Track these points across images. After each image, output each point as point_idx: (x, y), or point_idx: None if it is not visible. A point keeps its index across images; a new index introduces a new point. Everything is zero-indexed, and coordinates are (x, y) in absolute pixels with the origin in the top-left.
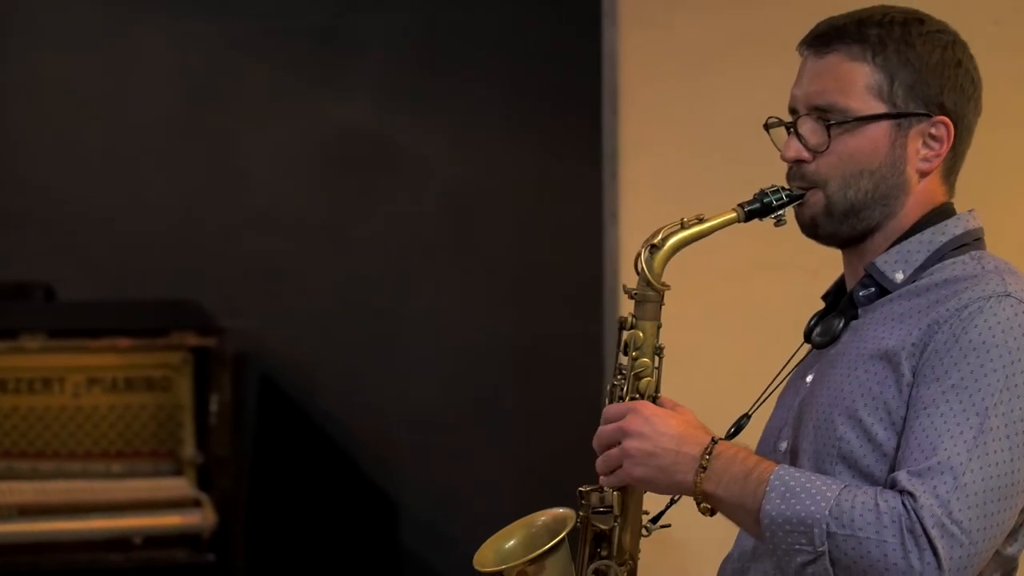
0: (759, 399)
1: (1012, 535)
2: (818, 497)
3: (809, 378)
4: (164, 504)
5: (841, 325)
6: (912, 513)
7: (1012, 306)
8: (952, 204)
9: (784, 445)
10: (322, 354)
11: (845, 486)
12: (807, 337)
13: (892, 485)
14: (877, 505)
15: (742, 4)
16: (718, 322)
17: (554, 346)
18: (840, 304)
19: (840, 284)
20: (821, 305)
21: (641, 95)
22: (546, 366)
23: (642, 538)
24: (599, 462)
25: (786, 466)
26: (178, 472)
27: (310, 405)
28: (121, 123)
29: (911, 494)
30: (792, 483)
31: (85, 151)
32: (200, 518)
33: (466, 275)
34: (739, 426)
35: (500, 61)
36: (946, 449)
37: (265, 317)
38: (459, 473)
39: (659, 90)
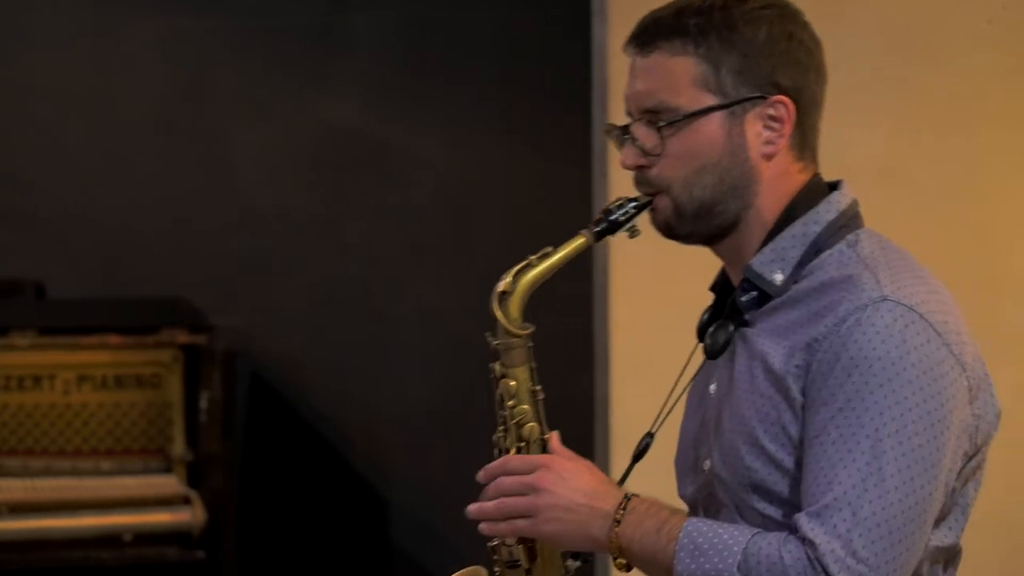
0: (660, 416)
1: (940, 523)
2: (725, 554)
3: (712, 388)
4: (154, 501)
5: (732, 332)
6: (816, 563)
7: (890, 311)
8: (818, 179)
9: (708, 464)
10: (312, 352)
11: (752, 536)
12: (700, 336)
13: (795, 529)
14: (782, 558)
15: None
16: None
17: (544, 344)
18: (727, 309)
19: (725, 279)
20: None
21: None
22: (536, 363)
23: None
24: (492, 509)
25: (695, 520)
26: (168, 469)
27: (300, 403)
28: (110, 121)
29: (811, 542)
30: (700, 540)
31: (75, 149)
32: (190, 515)
33: (456, 273)
34: (645, 445)
35: (490, 59)
36: (841, 483)
37: (255, 315)
38: (449, 470)
39: None
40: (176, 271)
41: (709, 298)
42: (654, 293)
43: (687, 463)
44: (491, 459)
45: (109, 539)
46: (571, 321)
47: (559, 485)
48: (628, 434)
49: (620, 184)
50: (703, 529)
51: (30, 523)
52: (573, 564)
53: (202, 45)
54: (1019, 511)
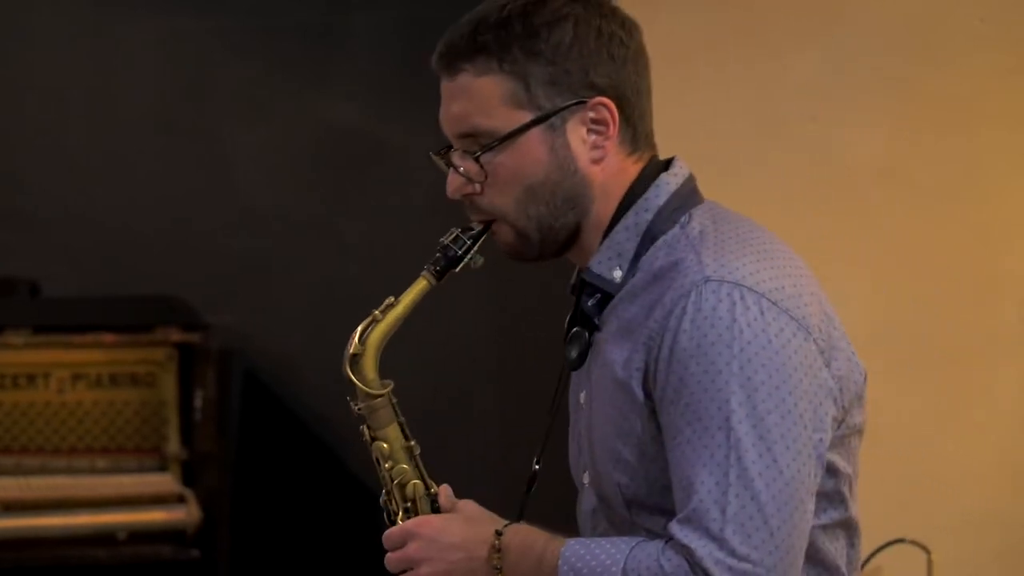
0: (543, 443)
1: (827, 499)
2: (605, 575)
3: (582, 396)
4: (149, 500)
5: (586, 341)
6: (697, 568)
7: (713, 292)
8: (652, 164)
9: (586, 478)
10: (307, 350)
11: (632, 549)
12: (564, 342)
13: (671, 538)
14: (662, 567)
15: (724, 0)
16: None
17: (536, 345)
18: (578, 319)
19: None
20: None
21: None
22: (528, 364)
23: None
24: None
25: (571, 544)
26: (163, 468)
27: (295, 401)
28: (107, 120)
29: (687, 547)
30: (579, 565)
31: (71, 147)
32: (185, 514)
33: (452, 274)
34: (533, 475)
35: None
36: (703, 482)
37: (250, 313)
38: (442, 469)
39: None
40: (171, 269)
41: None
42: None
43: (577, 475)
44: (484, 459)
45: (104, 537)
46: (563, 322)
47: (431, 550)
48: None
49: None
50: (580, 552)
51: (25, 521)
52: None
53: (201, 45)
54: (1017, 509)
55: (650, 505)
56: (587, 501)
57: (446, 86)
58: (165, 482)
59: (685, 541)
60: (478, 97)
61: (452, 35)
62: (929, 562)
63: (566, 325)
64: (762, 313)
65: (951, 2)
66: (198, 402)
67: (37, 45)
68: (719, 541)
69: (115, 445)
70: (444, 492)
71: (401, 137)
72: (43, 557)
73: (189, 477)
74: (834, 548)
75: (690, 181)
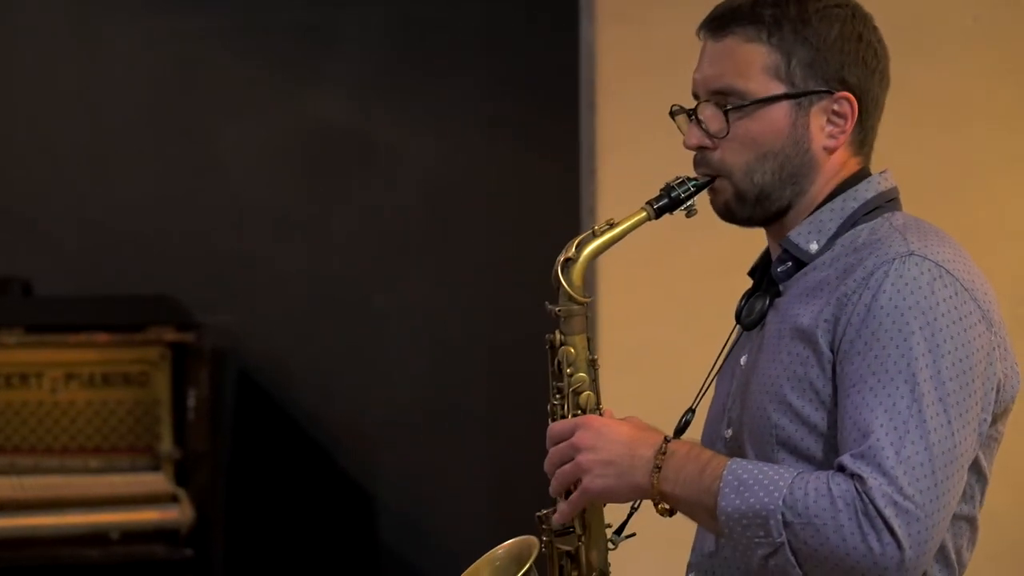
0: (700, 391)
1: (963, 495)
2: (771, 488)
3: (743, 359)
4: (142, 500)
5: (766, 304)
6: (864, 496)
7: (917, 264)
8: (867, 170)
9: (728, 432)
10: (300, 349)
11: (798, 474)
12: (738, 318)
13: (840, 469)
14: (830, 490)
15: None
16: (698, 319)
17: (531, 342)
18: (764, 283)
19: (765, 259)
20: None
21: (618, 90)
22: (523, 362)
23: (609, 551)
24: (554, 483)
25: (739, 459)
26: (156, 467)
27: (288, 400)
28: (99, 119)
29: (859, 476)
30: (745, 476)
31: (63, 147)
32: (178, 513)
33: (443, 271)
34: (686, 422)
35: (478, 56)
36: (882, 425)
37: (243, 313)
38: (436, 467)
39: (636, 85)
40: (164, 269)
41: (695, 296)
42: (642, 291)
43: (712, 435)
44: (479, 456)
45: (97, 537)
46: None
47: (596, 440)
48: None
49: (608, 182)
50: (747, 467)
51: (18, 521)
52: (617, 539)
53: (190, 42)
54: (1018, 510)
55: (801, 450)
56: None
57: (711, 46)
58: (158, 482)
59: (858, 471)
60: (741, 61)
61: (728, 4)
62: None
63: (741, 303)
64: (956, 294)
65: (944, 1)
66: (191, 401)
67: (30, 44)
68: (889, 477)
69: (108, 444)
70: (609, 414)
71: (390, 135)
72: (36, 557)
73: (182, 476)
74: (956, 542)
75: (895, 191)
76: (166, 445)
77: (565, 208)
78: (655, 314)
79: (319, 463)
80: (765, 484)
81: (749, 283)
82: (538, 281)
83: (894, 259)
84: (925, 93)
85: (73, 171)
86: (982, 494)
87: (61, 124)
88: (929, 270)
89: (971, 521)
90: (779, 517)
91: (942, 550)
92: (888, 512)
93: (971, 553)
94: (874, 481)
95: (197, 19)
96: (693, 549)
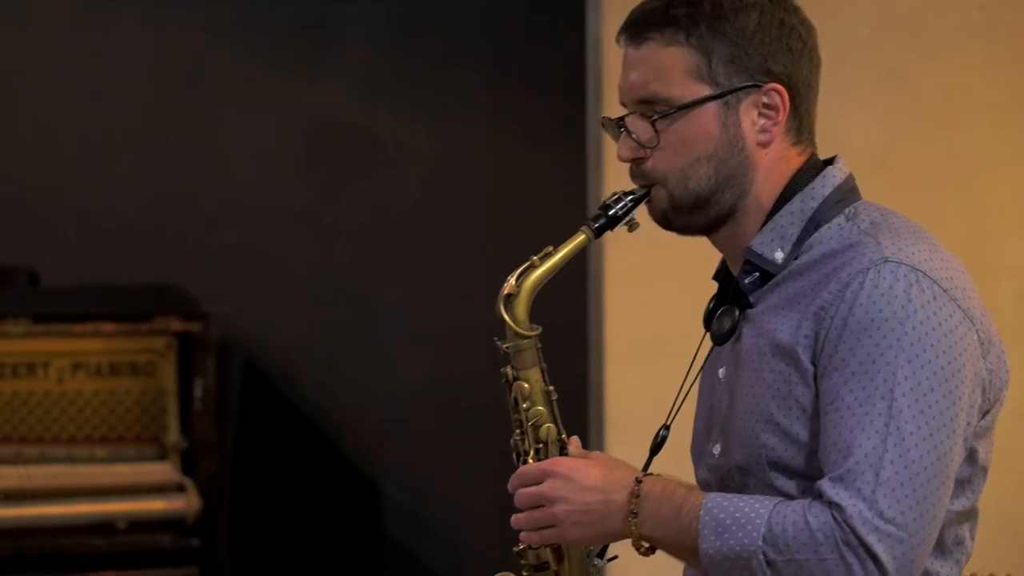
0: (673, 407)
1: (963, 485)
2: (749, 527)
3: (721, 372)
4: (148, 489)
5: (736, 316)
6: (843, 524)
7: (892, 271)
8: (815, 159)
9: (717, 448)
10: (306, 339)
11: (775, 506)
12: (706, 325)
13: (818, 495)
14: (808, 523)
15: None
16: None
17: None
18: (730, 294)
19: (727, 267)
20: None
21: None
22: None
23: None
24: (523, 521)
25: (713, 496)
26: (162, 457)
27: (294, 390)
28: (104, 110)
29: (837, 504)
30: (722, 516)
31: (68, 138)
32: (184, 503)
33: (448, 262)
34: (662, 438)
35: (483, 48)
36: (860, 445)
37: (249, 302)
38: (441, 459)
39: None
40: (169, 259)
41: (701, 285)
42: (648, 281)
43: (700, 449)
44: (482, 447)
45: (103, 526)
46: (566, 309)
47: (569, 490)
48: (623, 420)
49: (615, 174)
50: (723, 504)
51: (24, 510)
52: (600, 563)
53: (193, 34)
54: (1018, 503)
55: (793, 468)
56: (705, 472)
57: (630, 54)
58: (164, 471)
59: (836, 498)
60: (661, 66)
61: (644, 7)
62: None
63: (709, 306)
64: (935, 298)
65: None
66: (197, 391)
67: (29, 35)
68: (869, 501)
69: (115, 434)
70: (574, 442)
71: (393, 127)
72: (43, 546)
73: (188, 466)
74: (957, 532)
75: (851, 179)
76: (172, 434)
77: (572, 200)
78: (660, 304)
79: (325, 453)
80: (743, 523)
81: None
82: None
83: (868, 268)
84: (931, 84)
85: (78, 162)
86: (982, 483)
87: (66, 115)
88: (905, 276)
89: (972, 514)
90: (760, 557)
91: (942, 544)
92: (870, 539)
93: (974, 541)
94: (853, 508)
95: (201, 12)
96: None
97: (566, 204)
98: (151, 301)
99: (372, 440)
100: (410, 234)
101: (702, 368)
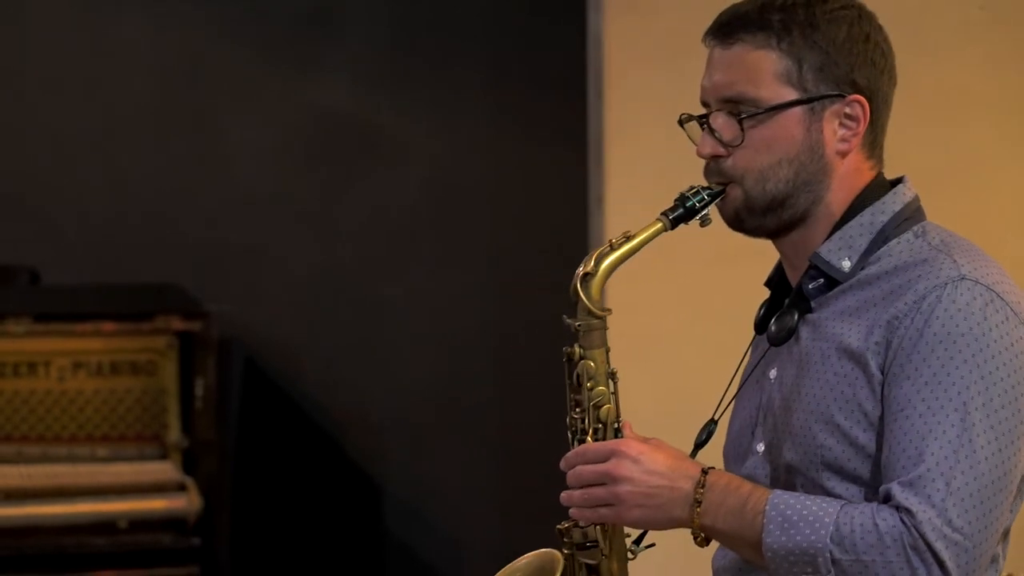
0: (721, 403)
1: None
2: (817, 525)
3: (772, 373)
4: (149, 488)
5: (795, 319)
6: (912, 529)
7: (969, 289)
8: (883, 176)
9: (761, 447)
10: (307, 338)
11: (842, 506)
12: (759, 329)
13: (886, 499)
14: (876, 526)
15: None
16: (702, 307)
17: (538, 333)
18: (790, 298)
19: (782, 271)
20: None
21: (626, 79)
22: (530, 352)
23: (628, 561)
24: (579, 498)
25: (780, 492)
26: (163, 456)
27: (295, 389)
28: (105, 108)
29: (907, 510)
30: (789, 512)
31: (69, 136)
32: (185, 502)
33: (450, 260)
34: (708, 433)
35: (484, 45)
36: (932, 454)
37: (250, 301)
38: (443, 457)
39: (644, 74)
40: (170, 258)
41: (701, 285)
42: (652, 278)
43: (739, 448)
44: (484, 447)
45: (104, 525)
46: (567, 308)
47: (635, 471)
48: (627, 417)
49: (615, 172)
50: (790, 501)
51: (25, 509)
52: (637, 549)
53: (194, 31)
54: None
55: (847, 470)
56: (754, 470)
57: (719, 53)
58: (165, 470)
59: (906, 503)
60: (751, 68)
61: (735, 10)
62: None
63: (762, 312)
64: (1007, 319)
65: None
66: (198, 390)
67: (30, 32)
68: (939, 509)
69: (115, 433)
70: (628, 427)
71: (395, 124)
72: (43, 545)
73: (189, 465)
74: (994, 553)
75: (918, 200)
76: (173, 433)
77: (573, 198)
78: (662, 303)
79: (326, 452)
80: (811, 521)
81: (754, 273)
82: (545, 270)
83: (946, 283)
84: (930, 83)
85: (79, 160)
86: (1020, 503)
87: (67, 113)
88: (981, 295)
89: (1008, 530)
90: (827, 555)
91: None
92: (939, 546)
93: (1005, 560)
94: (924, 515)
95: (202, 10)
96: (717, 555)
97: (566, 204)
98: (152, 300)
99: (372, 439)
100: (410, 233)
101: (750, 369)
